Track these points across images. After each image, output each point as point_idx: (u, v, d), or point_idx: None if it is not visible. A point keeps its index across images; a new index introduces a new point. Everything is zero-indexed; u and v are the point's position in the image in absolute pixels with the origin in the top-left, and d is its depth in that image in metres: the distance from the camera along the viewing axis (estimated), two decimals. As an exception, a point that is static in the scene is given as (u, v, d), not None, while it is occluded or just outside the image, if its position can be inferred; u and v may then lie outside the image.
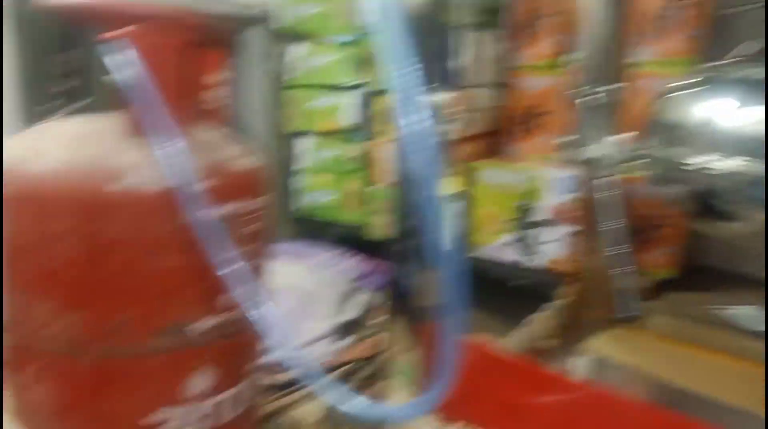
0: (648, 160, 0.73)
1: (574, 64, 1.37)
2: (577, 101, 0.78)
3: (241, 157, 0.81)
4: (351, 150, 1.79)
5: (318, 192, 1.91)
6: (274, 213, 0.84)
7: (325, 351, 1.30)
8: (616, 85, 0.76)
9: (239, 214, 0.77)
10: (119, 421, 0.74)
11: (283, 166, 1.96)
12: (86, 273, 0.69)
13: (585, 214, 1.09)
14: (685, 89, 0.74)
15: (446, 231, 0.41)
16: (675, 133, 0.73)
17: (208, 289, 0.75)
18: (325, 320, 1.36)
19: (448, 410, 0.70)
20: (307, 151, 1.92)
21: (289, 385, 1.17)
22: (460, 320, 0.44)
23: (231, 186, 0.77)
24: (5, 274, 0.75)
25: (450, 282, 0.42)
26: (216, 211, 0.73)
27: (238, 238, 0.77)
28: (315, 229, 1.98)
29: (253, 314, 0.84)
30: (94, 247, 0.69)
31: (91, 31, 0.79)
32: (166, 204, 0.70)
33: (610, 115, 0.75)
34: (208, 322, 0.76)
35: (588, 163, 0.75)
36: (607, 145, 0.73)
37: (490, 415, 0.69)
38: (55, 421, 0.75)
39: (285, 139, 1.98)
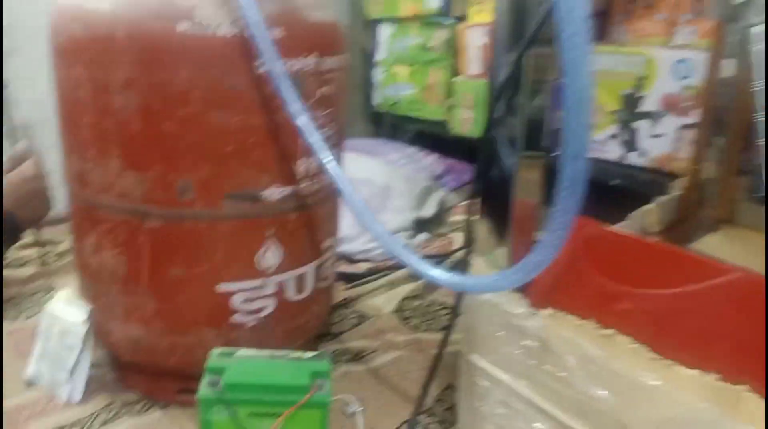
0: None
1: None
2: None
3: (318, 7, 0.72)
4: (434, 37, 1.67)
5: (398, 85, 1.81)
6: (350, 107, 0.78)
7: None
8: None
9: (315, 71, 0.69)
10: (187, 289, 0.70)
11: (362, 56, 1.88)
12: (150, 127, 0.64)
13: (705, 102, 0.96)
14: None
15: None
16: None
17: (283, 154, 0.69)
18: (400, 215, 1.34)
19: (536, 297, 0.62)
20: (388, 40, 1.81)
21: (365, 275, 1.15)
22: (575, 206, 0.40)
23: (307, 38, 0.68)
24: (65, 130, 0.71)
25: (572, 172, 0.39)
26: (291, 64, 0.65)
27: (315, 99, 0.70)
28: (394, 125, 1.90)
29: (329, 184, 0.78)
30: (160, 98, 0.62)
31: None
32: (237, 51, 0.62)
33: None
34: (282, 191, 0.70)
35: (737, 10, 0.63)
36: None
37: (585, 303, 0.60)
38: (120, 290, 0.72)
39: (364, 27, 1.88)
